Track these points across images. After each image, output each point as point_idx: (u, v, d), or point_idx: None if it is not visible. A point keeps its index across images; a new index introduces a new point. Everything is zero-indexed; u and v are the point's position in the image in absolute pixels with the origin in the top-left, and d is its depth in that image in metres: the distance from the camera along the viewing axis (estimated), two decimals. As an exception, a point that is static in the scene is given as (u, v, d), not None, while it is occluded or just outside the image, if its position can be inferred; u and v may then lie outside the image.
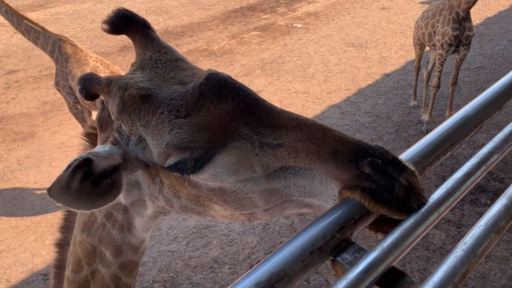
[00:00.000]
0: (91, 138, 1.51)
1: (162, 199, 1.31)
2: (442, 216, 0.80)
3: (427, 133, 4.64)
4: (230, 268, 4.80)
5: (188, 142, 1.09)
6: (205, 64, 9.77)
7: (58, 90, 5.93)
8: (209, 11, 13.79)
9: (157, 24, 12.56)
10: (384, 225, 0.93)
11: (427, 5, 9.13)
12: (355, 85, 8.56)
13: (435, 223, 0.78)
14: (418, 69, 7.39)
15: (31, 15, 13.38)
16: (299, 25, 11.94)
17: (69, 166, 1.10)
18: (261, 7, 13.82)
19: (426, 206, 0.81)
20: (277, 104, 7.83)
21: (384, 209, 0.89)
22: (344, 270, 0.73)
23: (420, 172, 0.91)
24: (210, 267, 4.84)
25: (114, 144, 1.25)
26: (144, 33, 1.35)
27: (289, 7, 13.64)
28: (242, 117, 1.09)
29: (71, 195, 1.14)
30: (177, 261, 4.92)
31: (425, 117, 6.91)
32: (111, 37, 12.30)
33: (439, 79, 6.58)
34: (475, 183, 0.90)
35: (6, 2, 6.03)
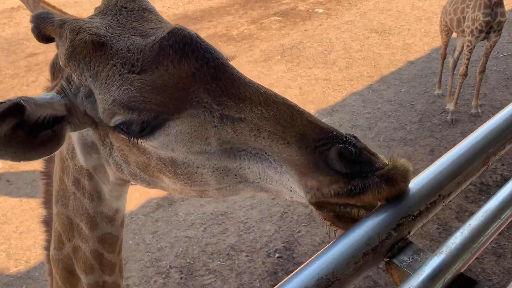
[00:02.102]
0: None
1: (112, 163, 1.20)
2: (517, 214, 0.69)
3: (452, 123, 4.43)
4: (247, 255, 4.74)
5: (137, 102, 0.98)
6: (224, 49, 9.63)
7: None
8: (229, -4, 13.58)
9: (176, 8, 12.44)
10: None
11: (455, -10, 8.78)
12: (377, 72, 8.33)
13: (509, 221, 0.67)
14: (444, 57, 7.13)
15: (52, -2, 13.37)
16: (321, 10, 11.67)
17: None
18: (281, -8, 13.55)
19: (498, 202, 0.69)
20: (297, 90, 7.68)
21: (364, 196, 0.79)
22: (402, 274, 0.62)
23: (484, 162, 0.79)
24: (227, 254, 4.79)
25: (59, 93, 1.12)
26: None
27: (310, -8, 13.34)
28: (204, 82, 0.97)
29: None
30: (194, 247, 4.89)
31: (450, 106, 6.67)
32: (130, 21, 12.21)
33: (466, 67, 6.33)
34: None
35: None
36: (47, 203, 1.64)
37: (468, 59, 6.27)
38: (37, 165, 5.87)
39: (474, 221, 0.65)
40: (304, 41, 9.88)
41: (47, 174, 1.60)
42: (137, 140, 1.03)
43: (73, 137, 1.30)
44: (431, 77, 7.97)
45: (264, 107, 0.94)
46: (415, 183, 0.74)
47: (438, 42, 8.63)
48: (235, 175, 1.00)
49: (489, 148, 0.78)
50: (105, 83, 1.02)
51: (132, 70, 1.00)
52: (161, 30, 1.08)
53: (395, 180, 0.77)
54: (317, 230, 4.95)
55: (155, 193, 5.66)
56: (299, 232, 4.97)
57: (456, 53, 7.02)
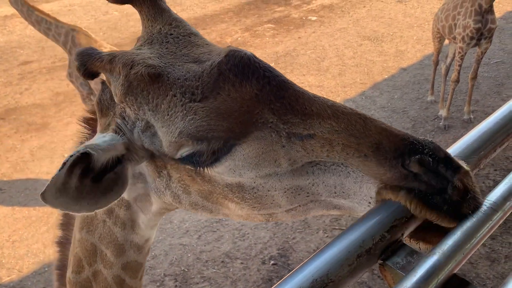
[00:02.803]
0: (91, 124, 1.34)
1: (169, 195, 1.16)
2: (508, 214, 0.70)
3: (445, 129, 4.46)
4: (242, 263, 4.72)
5: (205, 131, 0.93)
6: (218, 57, 9.67)
7: (71, 81, 5.88)
8: (223, 3, 13.66)
9: (170, 16, 12.47)
10: (429, 234, 0.79)
11: (446, -2, 8.89)
12: (370, 79, 8.39)
13: (500, 222, 0.68)
14: (437, 63, 7.20)
15: (45, 7, 13.38)
16: (314, 18, 11.76)
17: (64, 164, 0.93)
18: (275, 0, 13.65)
19: (489, 203, 0.70)
20: (291, 97, 7.69)
21: (433, 214, 0.76)
22: (395, 276, 0.63)
23: (475, 165, 0.80)
24: (222, 261, 4.77)
25: (116, 133, 1.07)
26: (153, 3, 1.17)
27: (303, -1, 13.45)
28: (268, 102, 0.93)
29: (69, 197, 0.97)
30: (189, 255, 4.86)
31: (443, 112, 6.72)
32: (124, 28, 12.25)
33: (458, 73, 6.39)
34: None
35: None
36: (65, 226, 1.60)
37: (460, 66, 6.33)
38: (29, 173, 5.81)
39: (467, 223, 0.66)
40: (298, 48, 9.94)
41: None
42: (204, 169, 0.99)
43: None
44: (423, 83, 8.04)
45: (334, 120, 0.90)
46: (408, 186, 0.75)
47: (430, 49, 8.72)
48: (307, 193, 0.96)
49: (480, 151, 0.79)
50: (168, 115, 0.98)
51: (193, 98, 0.96)
52: (215, 53, 1.04)
53: (463, 213, 0.75)
54: (312, 236, 4.95)
55: (149, 200, 5.63)
56: (294, 238, 4.96)
57: (448, 59, 7.09)
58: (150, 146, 1.07)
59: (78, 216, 1.44)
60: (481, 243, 0.66)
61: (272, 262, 4.66)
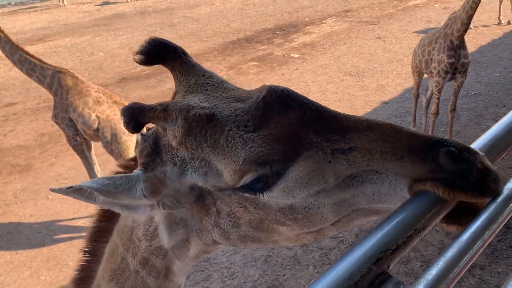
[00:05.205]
0: (129, 169, 1.37)
1: (217, 232, 1.19)
2: (487, 244, 0.73)
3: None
4: (232, 302, 4.62)
5: (265, 156, 1.02)
6: (203, 95, 9.79)
7: (57, 123, 5.83)
8: (207, 43, 13.99)
9: (156, 56, 12.67)
10: (462, 217, 0.90)
11: (422, 35, 9.29)
12: (353, 113, 8.56)
13: (480, 251, 0.70)
14: (417, 96, 7.41)
15: (30, 49, 13.50)
16: (296, 55, 12.09)
17: (70, 187, 1.06)
18: (258, 39, 14.04)
19: (470, 233, 0.73)
20: (276, 133, 7.78)
21: (461, 194, 0.87)
22: (383, 308, 0.65)
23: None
24: (211, 302, 4.66)
25: (152, 189, 1.14)
26: (184, 60, 1.28)
27: (285, 38, 13.86)
28: (311, 124, 1.04)
29: (83, 196, 1.10)
30: (177, 296, 4.74)
31: (426, 144, 6.86)
32: (110, 68, 12.38)
33: (437, 106, 6.58)
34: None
35: (1, 28, 5.89)
36: (81, 280, 1.56)
37: (438, 98, 6.53)
38: (12, 216, 5.68)
39: (449, 253, 0.69)
40: (281, 84, 10.04)
41: (91, 253, 1.54)
42: (263, 195, 1.06)
43: (157, 218, 1.29)
44: (405, 116, 8.24)
45: (370, 132, 1.00)
46: (392, 219, 0.77)
47: (410, 82, 8.99)
48: (350, 204, 1.05)
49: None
50: (228, 147, 1.06)
51: (247, 130, 1.05)
52: (254, 92, 1.16)
53: (488, 188, 0.87)
54: (302, 272, 4.89)
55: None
56: (284, 275, 4.89)
57: (428, 92, 7.31)
58: (204, 183, 1.14)
59: (107, 268, 1.43)
60: (463, 273, 0.69)
61: (262, 300, 4.57)
